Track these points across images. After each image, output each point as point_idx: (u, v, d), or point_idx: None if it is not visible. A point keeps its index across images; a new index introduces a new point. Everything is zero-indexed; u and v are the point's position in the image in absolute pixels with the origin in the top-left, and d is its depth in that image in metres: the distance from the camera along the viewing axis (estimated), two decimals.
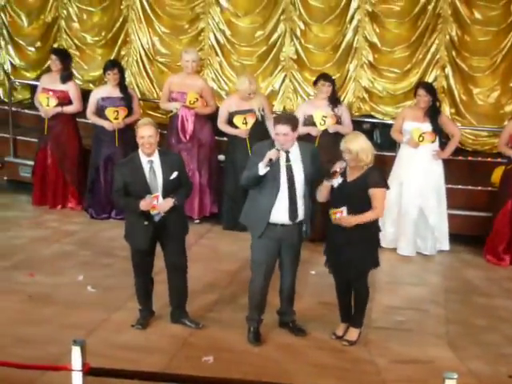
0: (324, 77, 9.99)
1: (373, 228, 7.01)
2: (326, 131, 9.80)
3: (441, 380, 4.67)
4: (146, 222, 7.00)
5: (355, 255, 6.85)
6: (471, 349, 7.15)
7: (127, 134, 10.15)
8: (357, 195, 6.76)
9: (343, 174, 6.86)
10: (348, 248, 6.84)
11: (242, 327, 7.17)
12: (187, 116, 10.37)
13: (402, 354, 7.00)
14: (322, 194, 6.97)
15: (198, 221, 10.47)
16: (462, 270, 9.36)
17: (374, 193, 6.81)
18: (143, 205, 6.88)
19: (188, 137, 10.39)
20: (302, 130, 9.84)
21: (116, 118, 10.29)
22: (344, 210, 6.77)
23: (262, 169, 6.76)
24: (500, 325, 7.75)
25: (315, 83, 10.05)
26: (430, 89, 9.66)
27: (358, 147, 6.77)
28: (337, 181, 6.80)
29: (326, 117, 9.84)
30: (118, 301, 7.83)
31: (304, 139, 9.86)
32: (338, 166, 6.83)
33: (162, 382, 5.14)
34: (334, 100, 9.99)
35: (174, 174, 7.07)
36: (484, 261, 9.60)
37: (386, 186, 6.95)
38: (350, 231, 6.79)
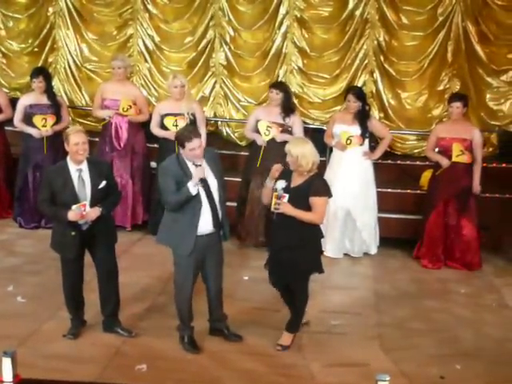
0: (273, 84, 10.03)
1: (315, 233, 7.03)
2: (273, 140, 9.68)
3: (373, 382, 4.71)
4: (73, 232, 6.90)
5: (296, 258, 6.85)
6: (403, 351, 7.21)
7: (56, 142, 10.01)
8: (297, 201, 6.77)
9: (288, 179, 6.89)
10: (289, 251, 6.85)
11: (175, 335, 7.13)
12: (121, 123, 10.26)
13: (336, 358, 7.02)
14: (266, 196, 7.01)
15: (129, 228, 10.36)
16: (392, 273, 9.44)
17: (315, 201, 6.83)
18: (71, 215, 6.77)
19: (122, 144, 10.28)
20: (251, 135, 9.85)
21: (44, 126, 10.12)
22: (287, 196, 6.79)
23: (194, 189, 6.69)
24: (431, 326, 7.84)
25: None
26: (359, 94, 9.73)
27: (299, 152, 6.80)
28: (280, 184, 6.82)
29: (270, 127, 9.73)
30: (48, 311, 7.70)
31: (253, 145, 9.89)
32: (275, 169, 6.93)
33: None
34: (287, 109, 9.80)
35: (103, 183, 6.98)
36: (414, 263, 9.71)
37: (328, 195, 6.98)
38: (292, 234, 6.82)
